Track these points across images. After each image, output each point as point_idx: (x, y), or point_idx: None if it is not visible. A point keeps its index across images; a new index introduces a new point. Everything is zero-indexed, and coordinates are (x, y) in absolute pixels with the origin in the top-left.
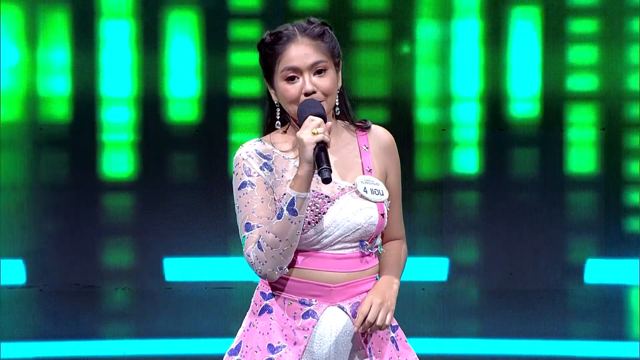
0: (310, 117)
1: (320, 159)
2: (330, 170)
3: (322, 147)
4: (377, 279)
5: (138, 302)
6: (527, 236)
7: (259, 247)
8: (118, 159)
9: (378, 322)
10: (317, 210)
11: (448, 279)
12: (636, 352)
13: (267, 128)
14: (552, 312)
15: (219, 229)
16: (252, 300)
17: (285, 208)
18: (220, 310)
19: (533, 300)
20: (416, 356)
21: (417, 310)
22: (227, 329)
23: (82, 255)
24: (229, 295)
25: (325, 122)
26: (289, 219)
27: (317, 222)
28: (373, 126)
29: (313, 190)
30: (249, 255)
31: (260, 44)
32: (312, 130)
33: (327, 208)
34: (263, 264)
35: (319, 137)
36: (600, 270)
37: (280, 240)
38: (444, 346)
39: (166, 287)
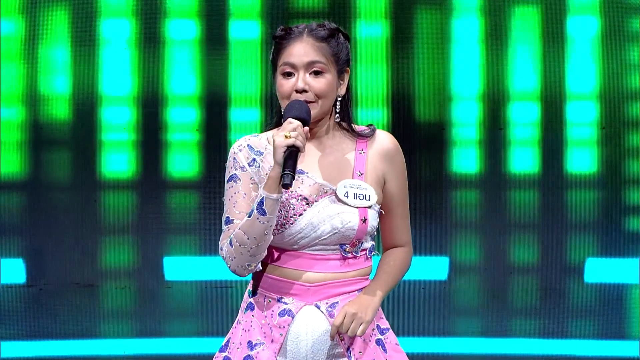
0: (289, 119)
1: (286, 164)
2: (293, 177)
3: (293, 152)
4: (368, 280)
5: (138, 302)
6: (527, 236)
7: (230, 242)
8: (118, 159)
9: (349, 333)
10: (293, 211)
11: (448, 278)
12: (636, 351)
13: (273, 124)
14: (552, 311)
15: (219, 229)
16: (243, 298)
17: (255, 207)
18: (220, 309)
19: (533, 299)
20: (407, 359)
21: (418, 310)
22: (227, 328)
23: (82, 254)
24: (229, 295)
25: (305, 126)
26: (258, 219)
27: (292, 224)
28: (377, 131)
29: (292, 191)
30: (221, 249)
31: (273, 37)
32: (285, 133)
33: (304, 210)
34: (232, 260)
35: (289, 141)
36: (600, 270)
37: (248, 239)
38: (444, 345)
39: (166, 286)
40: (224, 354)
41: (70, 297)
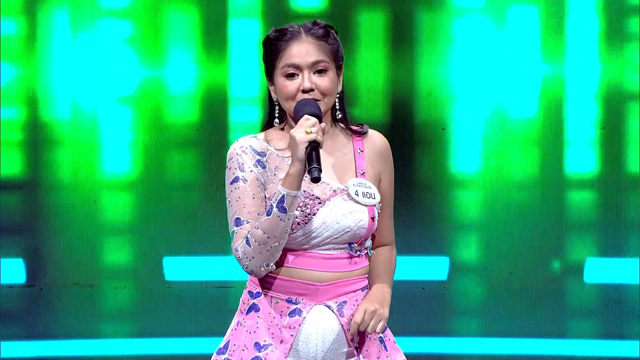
0: (306, 116)
1: (311, 158)
2: (320, 170)
3: (314, 147)
4: (367, 279)
5: (138, 301)
6: (527, 235)
7: (247, 242)
8: (118, 159)
9: (369, 330)
10: (307, 211)
11: (448, 278)
12: (636, 351)
13: (266, 125)
14: (552, 311)
15: (219, 229)
16: (241, 299)
17: (275, 205)
18: (220, 309)
19: (533, 299)
20: (404, 357)
21: (418, 310)
22: (226, 328)
23: (82, 254)
24: (228, 295)
25: (320, 122)
26: (278, 216)
27: (306, 223)
28: (370, 131)
29: (304, 191)
30: (236, 250)
31: (264, 40)
32: (305, 129)
33: (317, 209)
34: (250, 260)
35: (311, 137)
36: (600, 270)
37: (268, 237)
38: (444, 345)
39: (166, 286)
40: (223, 357)
41: (70, 297)
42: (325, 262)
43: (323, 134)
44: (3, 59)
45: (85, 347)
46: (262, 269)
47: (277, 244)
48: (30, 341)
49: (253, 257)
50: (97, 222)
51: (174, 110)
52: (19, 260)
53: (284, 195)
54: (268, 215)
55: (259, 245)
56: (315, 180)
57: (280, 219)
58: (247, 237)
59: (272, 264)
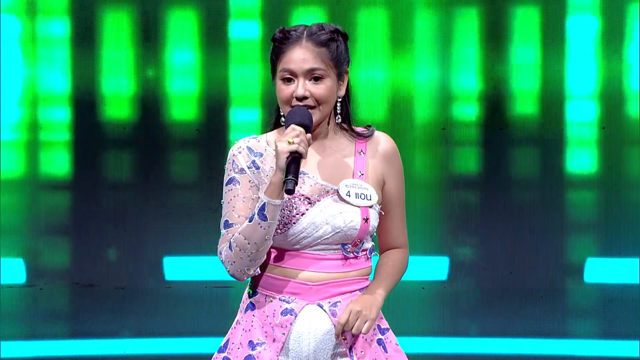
0: (292, 126)
1: (288, 169)
2: (296, 182)
3: (295, 157)
4: (369, 280)
5: (138, 302)
6: (527, 235)
7: (230, 247)
8: (118, 159)
9: (354, 331)
10: (296, 211)
11: (448, 278)
12: (636, 351)
13: (273, 125)
14: (552, 311)
15: (218, 229)
16: (242, 298)
17: (256, 212)
18: (220, 309)
19: (533, 299)
20: (407, 359)
21: (417, 310)
22: (226, 328)
23: (82, 254)
24: (228, 295)
25: (308, 132)
26: (259, 224)
27: (295, 223)
28: (376, 133)
29: (296, 191)
30: (220, 253)
31: (272, 38)
32: (288, 139)
33: (307, 209)
34: (231, 264)
35: (292, 147)
36: (600, 270)
37: (248, 243)
38: (444, 345)
39: (166, 286)
40: (223, 355)
41: (70, 297)
42: (318, 262)
43: (309, 144)
44: (3, 58)
45: (85, 347)
46: (244, 274)
47: (256, 250)
48: (30, 341)
49: (234, 262)
50: (96, 221)
51: (174, 110)
52: (19, 260)
53: (265, 204)
54: (250, 221)
55: (240, 250)
56: (289, 192)
57: (261, 227)
58: (230, 241)
59: (253, 269)
